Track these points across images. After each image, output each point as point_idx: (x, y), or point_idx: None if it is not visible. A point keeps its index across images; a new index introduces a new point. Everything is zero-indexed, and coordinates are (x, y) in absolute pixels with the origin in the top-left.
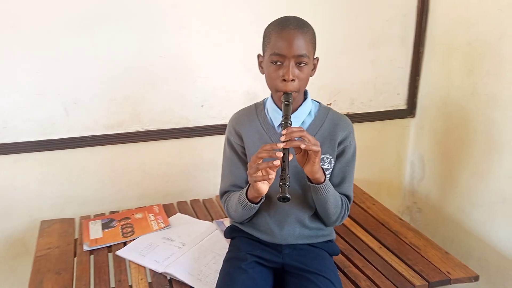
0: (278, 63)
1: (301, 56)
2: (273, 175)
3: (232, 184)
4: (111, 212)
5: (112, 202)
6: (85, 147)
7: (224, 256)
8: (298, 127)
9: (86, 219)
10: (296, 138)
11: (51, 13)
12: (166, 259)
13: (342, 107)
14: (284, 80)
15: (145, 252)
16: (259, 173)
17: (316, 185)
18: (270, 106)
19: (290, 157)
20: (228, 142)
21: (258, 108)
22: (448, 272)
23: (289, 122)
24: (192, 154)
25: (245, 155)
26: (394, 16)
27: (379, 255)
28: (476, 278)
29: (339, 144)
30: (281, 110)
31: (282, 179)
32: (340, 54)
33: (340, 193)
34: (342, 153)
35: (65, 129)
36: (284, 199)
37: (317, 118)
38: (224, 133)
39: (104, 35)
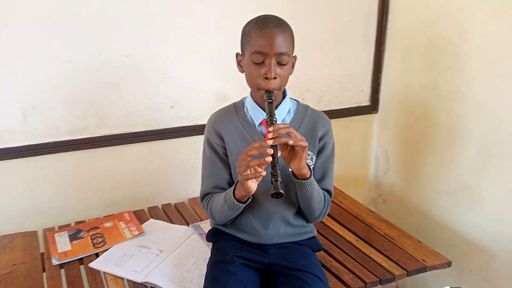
0: (260, 62)
1: (282, 54)
2: (263, 172)
3: (213, 185)
4: (77, 223)
5: (77, 212)
6: (46, 155)
7: (207, 260)
8: (284, 123)
9: (50, 231)
10: (282, 135)
11: (2, 12)
12: (145, 268)
13: (311, 105)
14: (266, 78)
15: (121, 262)
16: (249, 171)
17: (303, 181)
18: (250, 104)
19: (279, 154)
20: (208, 143)
21: (237, 108)
22: (424, 260)
23: (274, 119)
24: (162, 157)
25: (226, 155)
26: (356, 16)
27: (357, 248)
28: (449, 264)
29: (320, 140)
30: (261, 108)
31: (273, 175)
32: (307, 53)
33: (322, 189)
34: (322, 149)
35: (23, 136)
36: (277, 195)
37: (296, 116)
38: (194, 134)
39: (62, 35)
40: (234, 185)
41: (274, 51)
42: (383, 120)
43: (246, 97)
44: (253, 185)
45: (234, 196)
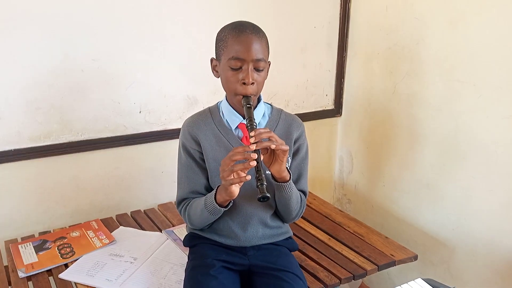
0: (237, 67)
1: (260, 60)
2: (248, 176)
3: (190, 191)
4: (41, 233)
5: (40, 222)
6: (7, 163)
7: (184, 265)
8: (265, 128)
9: (13, 243)
10: (263, 139)
11: None
12: (119, 277)
13: None
14: (244, 83)
15: (93, 271)
16: (233, 176)
17: (282, 183)
18: (226, 108)
19: (261, 158)
20: (184, 148)
21: (212, 112)
22: (392, 255)
23: (254, 124)
24: (130, 163)
25: (203, 160)
26: (320, 23)
27: (330, 246)
28: (415, 258)
29: (295, 142)
30: (237, 112)
31: (259, 179)
32: (275, 58)
33: (297, 190)
34: (297, 151)
35: None
36: (264, 199)
37: (271, 119)
38: (163, 139)
39: (23, 38)
40: (215, 190)
41: (252, 57)
42: (346, 123)
43: (221, 101)
44: (236, 189)
45: (216, 201)
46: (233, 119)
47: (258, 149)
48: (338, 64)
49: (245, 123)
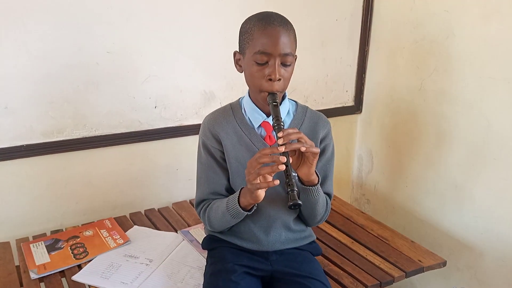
0: (263, 62)
1: (287, 54)
2: (276, 181)
3: (211, 192)
4: (53, 232)
5: (52, 220)
6: (18, 159)
7: (201, 268)
8: (293, 128)
9: (25, 241)
10: (291, 140)
11: None
12: (135, 279)
13: None
14: (270, 79)
15: (108, 274)
16: (259, 180)
17: (310, 187)
18: (249, 105)
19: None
20: (204, 147)
21: (234, 109)
22: (420, 261)
23: (282, 123)
24: (144, 160)
25: (224, 159)
26: (342, 16)
27: (353, 251)
28: (444, 264)
29: (321, 142)
30: (261, 109)
31: (289, 185)
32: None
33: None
34: (323, 151)
35: None
36: (296, 206)
37: (296, 117)
38: (179, 136)
39: (36, 29)
40: (238, 193)
41: (279, 51)
42: (366, 120)
43: (243, 97)
44: (262, 193)
45: (239, 204)
46: (256, 117)
47: (287, 152)
48: (359, 59)
49: (272, 122)
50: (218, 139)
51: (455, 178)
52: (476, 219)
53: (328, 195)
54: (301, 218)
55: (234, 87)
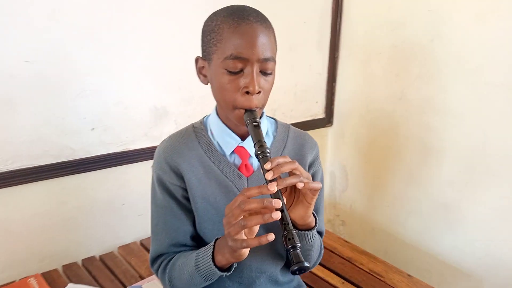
0: (237, 70)
1: (268, 60)
2: (271, 236)
3: (172, 243)
4: None
5: None
6: None
7: None
8: (284, 156)
9: None
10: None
11: None
12: None
13: None
14: (247, 92)
15: None
16: (244, 233)
17: (306, 231)
18: (217, 126)
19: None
20: (160, 184)
21: (197, 131)
22: None
23: (268, 151)
24: (80, 196)
25: (187, 199)
26: (311, 18)
27: None
28: None
29: (309, 168)
30: (233, 131)
31: (288, 239)
32: None
33: None
34: (312, 178)
35: None
36: (302, 271)
37: (277, 139)
38: (124, 163)
39: None
40: (211, 247)
41: (258, 55)
42: (338, 133)
43: (207, 116)
44: (247, 251)
45: (214, 262)
46: (227, 141)
47: (279, 190)
48: (329, 66)
49: (254, 150)
50: (179, 173)
51: (445, 196)
52: (473, 242)
53: (320, 233)
54: (288, 267)
55: (191, 101)
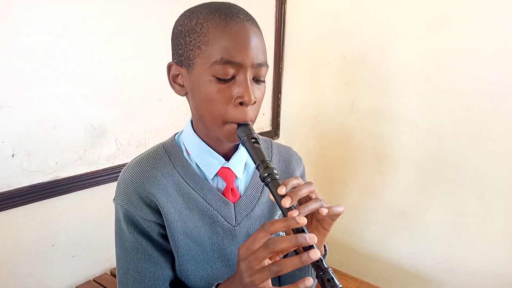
0: (228, 77)
1: (261, 65)
2: (309, 281)
3: None
4: None
5: None
6: None
7: None
8: (296, 177)
9: None
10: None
11: None
12: None
13: None
14: (241, 103)
15: None
16: (270, 281)
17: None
18: (196, 145)
19: None
20: (129, 221)
21: (170, 152)
22: None
23: (275, 172)
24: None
25: (165, 236)
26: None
27: None
28: None
29: None
30: (215, 150)
31: (327, 280)
32: None
33: None
34: None
35: None
36: None
37: None
38: (53, 195)
39: None
40: None
41: (252, 60)
42: None
43: (179, 133)
44: None
45: None
46: (209, 162)
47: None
48: (274, 77)
49: (259, 173)
50: (154, 206)
51: (403, 204)
52: (432, 247)
53: None
54: None
55: (133, 116)
